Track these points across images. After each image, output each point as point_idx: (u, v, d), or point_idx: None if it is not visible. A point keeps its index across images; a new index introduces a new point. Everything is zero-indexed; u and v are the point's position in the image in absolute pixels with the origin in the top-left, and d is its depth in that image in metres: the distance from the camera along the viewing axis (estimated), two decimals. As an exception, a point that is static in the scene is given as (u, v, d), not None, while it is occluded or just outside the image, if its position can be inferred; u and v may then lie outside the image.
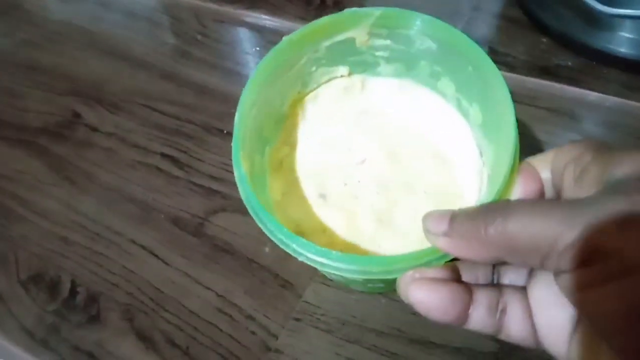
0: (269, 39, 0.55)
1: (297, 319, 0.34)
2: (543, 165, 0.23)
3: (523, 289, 0.23)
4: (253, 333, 0.34)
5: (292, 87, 0.33)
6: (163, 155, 0.45)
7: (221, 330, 0.34)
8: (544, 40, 0.50)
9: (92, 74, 0.53)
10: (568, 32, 0.47)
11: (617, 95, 0.44)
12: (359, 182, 0.31)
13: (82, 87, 0.52)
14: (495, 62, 0.48)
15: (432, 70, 0.33)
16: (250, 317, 0.35)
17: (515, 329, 0.22)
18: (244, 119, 0.28)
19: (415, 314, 0.33)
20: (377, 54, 0.33)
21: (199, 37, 0.56)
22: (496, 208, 0.20)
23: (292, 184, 0.31)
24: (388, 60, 0.34)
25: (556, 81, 0.46)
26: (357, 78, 0.35)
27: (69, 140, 0.47)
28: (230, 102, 0.48)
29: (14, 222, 0.42)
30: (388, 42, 0.32)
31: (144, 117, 0.48)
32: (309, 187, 0.31)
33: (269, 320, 0.34)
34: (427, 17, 0.31)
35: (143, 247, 0.39)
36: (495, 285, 0.23)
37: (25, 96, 0.52)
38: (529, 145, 0.42)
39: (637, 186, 0.18)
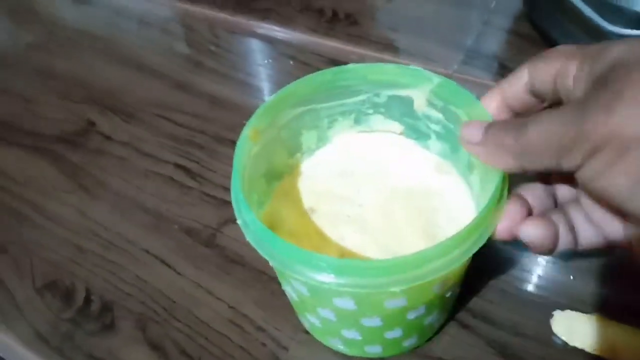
0: (280, 50, 0.55)
1: (307, 332, 0.35)
2: (515, 87, 0.25)
3: (577, 201, 0.26)
4: (263, 344, 0.34)
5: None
6: (176, 165, 0.45)
7: (232, 341, 0.35)
8: (554, 56, 0.50)
9: (106, 82, 0.54)
10: (577, 50, 0.47)
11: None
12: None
13: (96, 95, 0.53)
14: (504, 77, 0.49)
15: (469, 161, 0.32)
16: (260, 329, 0.35)
17: (586, 239, 0.25)
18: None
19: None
20: (431, 125, 0.33)
21: (211, 47, 0.56)
22: (522, 120, 0.22)
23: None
24: (439, 136, 0.33)
25: (565, 98, 0.47)
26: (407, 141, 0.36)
27: (83, 148, 0.48)
28: (242, 113, 0.48)
29: (29, 229, 0.43)
30: (440, 115, 0.32)
31: (157, 126, 0.49)
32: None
33: (279, 332, 0.35)
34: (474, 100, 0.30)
35: (156, 257, 0.39)
36: (559, 208, 0.26)
37: (40, 103, 0.53)
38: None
39: (616, 75, 0.20)
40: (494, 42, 0.54)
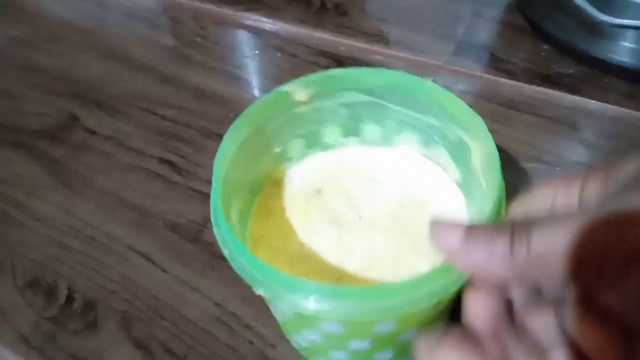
0: (268, 42, 0.54)
1: (296, 329, 0.34)
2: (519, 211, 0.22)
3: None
4: (251, 342, 0.34)
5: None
6: (161, 160, 0.44)
7: (219, 339, 0.34)
8: (545, 47, 0.50)
9: (91, 76, 0.53)
10: (570, 40, 0.46)
11: (617, 104, 0.44)
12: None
13: (80, 90, 0.52)
14: (496, 68, 0.49)
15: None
16: (248, 327, 0.34)
17: None
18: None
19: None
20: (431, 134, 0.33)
21: (198, 39, 0.55)
22: (518, 223, 0.18)
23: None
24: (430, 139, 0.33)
25: (557, 89, 0.46)
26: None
27: (66, 144, 0.47)
28: (229, 106, 0.48)
29: (10, 227, 0.41)
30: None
31: (142, 120, 0.48)
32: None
33: (267, 330, 0.34)
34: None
35: (140, 254, 0.38)
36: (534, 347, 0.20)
37: (22, 98, 0.52)
38: (527, 154, 0.41)
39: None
40: (485, 33, 0.53)
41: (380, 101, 0.32)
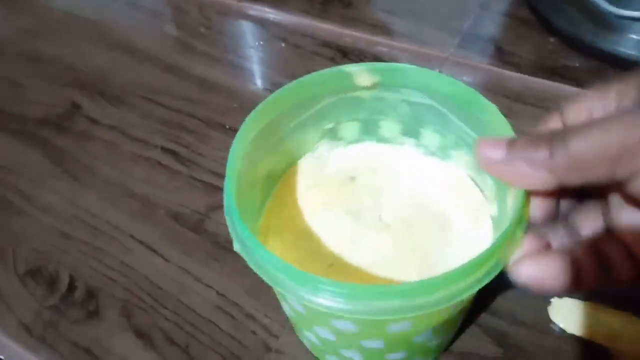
0: (272, 32, 0.54)
1: (298, 319, 0.34)
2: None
3: (609, 232, 0.23)
4: (253, 333, 0.33)
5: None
6: (164, 149, 0.44)
7: (221, 329, 0.34)
8: (552, 40, 0.49)
9: (95, 65, 0.53)
10: (576, 33, 0.46)
11: (624, 97, 0.44)
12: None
13: (84, 79, 0.52)
14: (502, 61, 0.48)
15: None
16: (250, 317, 0.34)
17: (624, 272, 0.22)
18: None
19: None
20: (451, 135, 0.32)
21: (202, 29, 0.55)
22: (555, 133, 0.20)
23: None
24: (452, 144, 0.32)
25: (563, 82, 0.46)
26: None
27: (70, 133, 0.47)
28: (233, 96, 0.48)
29: (13, 216, 0.41)
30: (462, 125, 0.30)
31: (145, 110, 0.48)
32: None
33: (270, 320, 0.34)
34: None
35: (142, 243, 0.38)
36: (588, 241, 0.23)
37: (27, 87, 0.52)
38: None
39: None
40: (491, 26, 0.52)
41: (442, 109, 0.30)
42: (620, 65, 0.45)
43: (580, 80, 0.45)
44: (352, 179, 0.33)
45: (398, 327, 0.25)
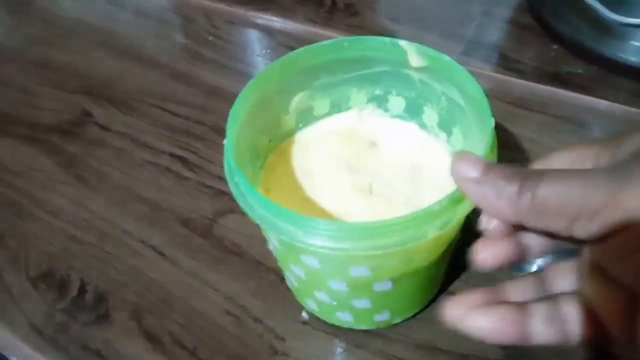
0: (279, 40, 0.55)
1: (305, 323, 0.34)
2: None
3: (572, 294, 0.22)
4: (260, 336, 0.34)
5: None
6: (173, 155, 0.45)
7: (229, 332, 0.34)
8: (555, 47, 0.50)
9: (104, 72, 0.54)
10: (579, 40, 0.47)
11: (627, 104, 0.44)
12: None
13: (93, 86, 0.52)
14: (505, 68, 0.49)
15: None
16: (257, 320, 0.35)
17: (582, 334, 0.22)
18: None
19: (420, 319, 0.33)
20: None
21: (210, 37, 0.56)
22: (531, 172, 0.20)
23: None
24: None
25: (566, 89, 0.46)
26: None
27: (80, 139, 0.47)
28: (240, 103, 0.48)
29: (25, 220, 0.42)
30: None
31: (154, 117, 0.48)
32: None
33: (276, 324, 0.34)
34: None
35: (152, 247, 0.39)
36: (549, 297, 0.23)
37: (37, 93, 0.53)
38: (538, 153, 0.41)
39: None
40: (495, 33, 0.53)
41: (469, 113, 0.31)
42: (622, 72, 0.45)
43: (583, 86, 0.46)
44: (366, 144, 0.35)
45: (358, 272, 0.26)
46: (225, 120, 0.46)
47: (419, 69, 0.31)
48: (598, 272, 0.20)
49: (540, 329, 0.21)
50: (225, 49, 0.55)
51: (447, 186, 0.26)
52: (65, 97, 0.52)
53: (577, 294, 0.22)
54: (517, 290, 0.23)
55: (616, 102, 0.45)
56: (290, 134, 0.35)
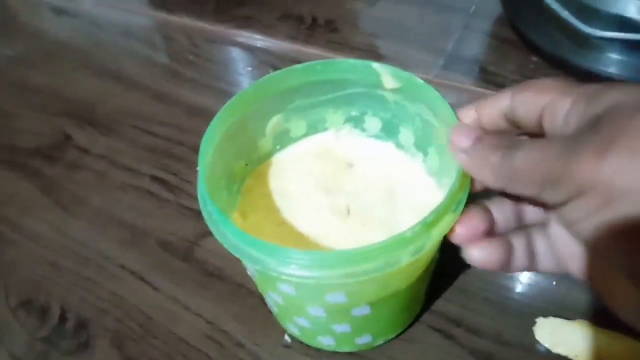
0: (260, 58, 0.55)
1: (287, 346, 0.34)
2: (492, 111, 0.25)
3: (543, 226, 0.25)
4: (242, 360, 0.34)
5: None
6: (153, 177, 0.45)
7: (210, 357, 0.34)
8: (534, 59, 0.50)
9: (84, 94, 0.54)
10: (558, 52, 0.47)
11: (606, 115, 0.44)
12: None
13: (74, 108, 0.52)
14: (485, 81, 0.49)
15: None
16: (239, 344, 0.34)
17: (544, 264, 0.25)
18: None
19: (403, 339, 0.33)
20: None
21: (190, 57, 0.56)
22: (511, 141, 0.22)
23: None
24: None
25: (546, 101, 0.46)
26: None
27: (60, 162, 0.47)
28: (221, 123, 0.48)
29: (4, 246, 0.42)
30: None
31: (134, 138, 0.48)
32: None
33: (259, 348, 0.34)
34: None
35: (132, 272, 0.39)
36: (522, 227, 0.26)
37: (16, 116, 0.53)
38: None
39: (611, 119, 0.19)
40: (475, 46, 0.53)
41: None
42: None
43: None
44: (342, 166, 0.35)
45: (334, 298, 0.26)
46: (206, 141, 0.47)
47: (393, 91, 0.31)
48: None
49: (519, 261, 0.25)
50: (207, 68, 0.55)
51: (424, 206, 0.26)
52: (45, 120, 0.51)
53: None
54: (499, 214, 0.26)
55: (595, 114, 0.45)
56: (267, 157, 0.35)
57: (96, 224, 0.42)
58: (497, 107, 0.25)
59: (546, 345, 0.32)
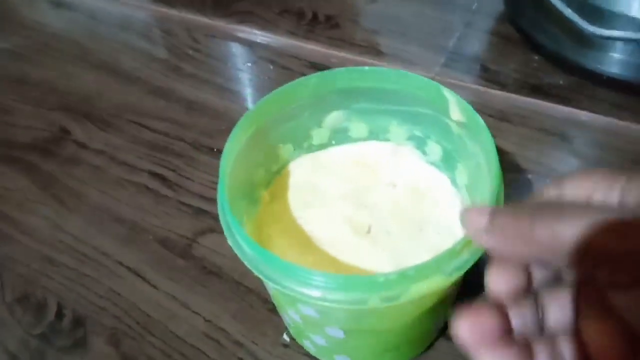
0: (260, 54, 0.54)
1: (286, 345, 0.34)
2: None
3: (570, 331, 0.22)
4: (240, 359, 0.33)
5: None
6: (152, 173, 0.44)
7: (208, 356, 0.34)
8: (536, 58, 0.50)
9: (82, 88, 0.53)
10: (560, 52, 0.47)
11: (607, 115, 0.44)
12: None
13: (71, 102, 0.52)
14: (486, 79, 0.49)
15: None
16: (237, 343, 0.34)
17: None
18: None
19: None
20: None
21: (190, 51, 0.55)
22: (546, 206, 0.20)
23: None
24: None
25: (547, 100, 0.46)
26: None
27: (57, 157, 0.47)
28: (221, 118, 0.48)
29: (0, 241, 0.41)
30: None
31: (133, 133, 0.48)
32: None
33: (257, 347, 0.34)
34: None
35: (130, 269, 0.38)
36: (549, 337, 0.22)
37: (13, 111, 0.52)
38: (517, 164, 0.41)
39: None
40: (476, 44, 0.53)
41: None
42: (603, 83, 0.45)
43: (564, 98, 0.46)
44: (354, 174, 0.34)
45: (333, 332, 0.26)
46: (206, 135, 0.46)
47: (458, 123, 0.30)
48: (599, 306, 0.20)
49: None
50: (206, 63, 0.54)
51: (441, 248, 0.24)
52: (43, 114, 0.51)
53: (574, 333, 0.21)
54: (518, 316, 0.22)
55: (597, 113, 0.44)
56: (297, 157, 0.35)
57: (94, 220, 0.42)
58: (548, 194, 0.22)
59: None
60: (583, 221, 0.18)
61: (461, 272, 0.23)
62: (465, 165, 0.31)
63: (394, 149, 0.34)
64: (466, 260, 0.23)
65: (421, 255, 0.29)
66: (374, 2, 0.59)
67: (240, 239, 0.24)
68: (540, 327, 0.22)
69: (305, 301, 0.23)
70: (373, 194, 0.33)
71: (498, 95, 0.47)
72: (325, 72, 0.30)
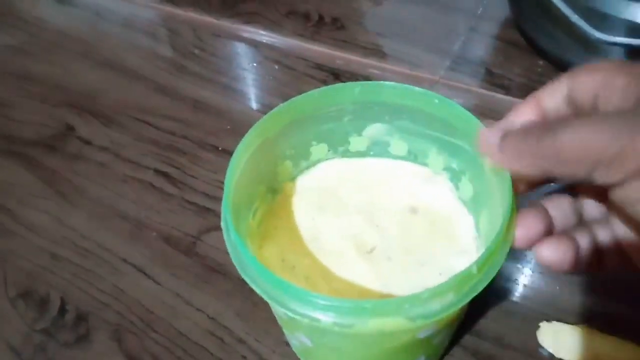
0: (265, 54, 0.54)
1: (288, 344, 0.34)
2: (554, 97, 0.24)
3: (606, 221, 0.24)
4: (244, 357, 0.33)
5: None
6: (156, 171, 0.44)
7: (211, 353, 0.34)
8: (541, 63, 0.50)
9: (87, 85, 0.53)
10: (565, 56, 0.47)
11: (612, 121, 0.44)
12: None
13: (76, 99, 0.52)
14: (491, 83, 0.49)
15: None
16: (241, 341, 0.34)
17: (610, 261, 0.24)
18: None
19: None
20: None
21: (195, 51, 0.55)
22: (548, 124, 0.21)
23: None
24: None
25: (552, 105, 0.46)
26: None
27: (61, 153, 0.47)
28: (226, 118, 0.48)
29: (3, 236, 0.41)
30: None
31: (137, 131, 0.48)
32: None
33: (260, 345, 0.34)
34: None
35: (134, 266, 0.38)
36: (583, 224, 0.25)
37: (18, 107, 0.52)
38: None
39: None
40: (481, 48, 0.53)
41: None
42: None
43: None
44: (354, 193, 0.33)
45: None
46: (211, 134, 0.46)
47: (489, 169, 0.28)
48: (622, 214, 0.23)
49: (586, 260, 0.24)
50: (211, 62, 0.54)
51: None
52: (47, 111, 0.51)
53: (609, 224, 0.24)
54: (558, 212, 0.25)
55: (601, 119, 0.45)
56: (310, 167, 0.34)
57: (97, 216, 0.42)
58: (558, 94, 0.24)
59: (549, 349, 0.32)
60: (582, 130, 0.19)
61: (427, 321, 0.22)
62: (488, 212, 0.30)
63: (430, 175, 0.34)
64: (435, 311, 0.22)
65: (412, 292, 0.28)
66: (379, 4, 0.59)
67: (233, 237, 0.25)
68: (578, 220, 0.25)
69: (273, 304, 0.24)
70: (389, 215, 0.32)
71: (502, 99, 0.47)
72: (372, 82, 0.30)
